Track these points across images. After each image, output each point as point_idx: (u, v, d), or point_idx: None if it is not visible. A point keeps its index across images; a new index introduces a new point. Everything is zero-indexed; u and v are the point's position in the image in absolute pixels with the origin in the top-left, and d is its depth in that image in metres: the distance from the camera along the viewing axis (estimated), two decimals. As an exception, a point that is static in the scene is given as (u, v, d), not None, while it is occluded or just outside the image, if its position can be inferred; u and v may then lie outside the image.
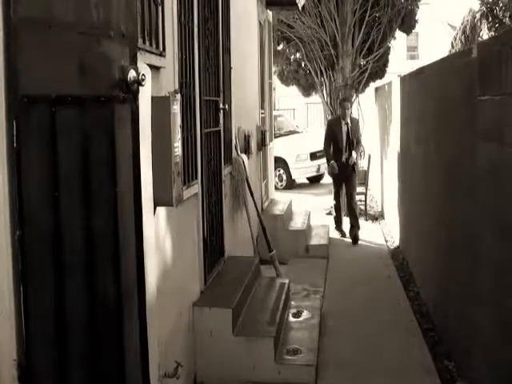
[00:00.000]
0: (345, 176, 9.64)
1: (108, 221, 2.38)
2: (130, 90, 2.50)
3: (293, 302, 6.04)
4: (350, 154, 9.53)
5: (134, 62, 2.55)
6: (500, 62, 3.68)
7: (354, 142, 9.61)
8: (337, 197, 9.99)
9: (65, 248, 2.07)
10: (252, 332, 4.66)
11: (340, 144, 9.58)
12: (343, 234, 9.91)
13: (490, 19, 15.36)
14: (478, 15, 16.91)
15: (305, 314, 5.65)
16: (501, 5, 14.96)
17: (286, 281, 6.09)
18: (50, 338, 2.04)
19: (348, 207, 9.99)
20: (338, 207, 10.04)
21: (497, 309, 3.81)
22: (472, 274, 4.38)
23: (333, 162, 9.57)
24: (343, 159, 9.57)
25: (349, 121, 9.66)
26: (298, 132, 18.71)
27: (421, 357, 5.07)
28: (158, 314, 3.15)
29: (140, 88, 2.57)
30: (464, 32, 19.98)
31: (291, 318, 5.55)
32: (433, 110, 6.05)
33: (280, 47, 13.70)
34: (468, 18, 19.75)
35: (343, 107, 9.76)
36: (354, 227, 9.68)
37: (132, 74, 2.48)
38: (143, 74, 2.53)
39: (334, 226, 10.10)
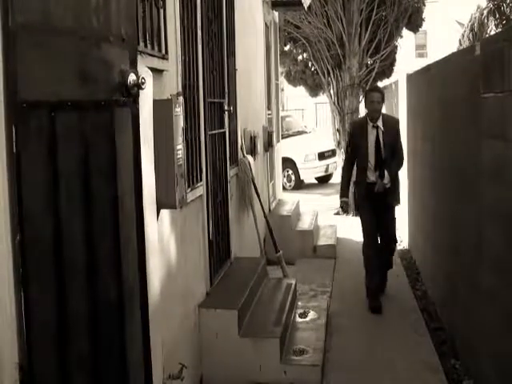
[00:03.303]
0: (375, 209, 6.41)
1: (109, 224, 2.40)
2: (130, 94, 2.52)
3: (300, 303, 6.05)
4: (382, 175, 6.26)
5: (133, 66, 2.57)
6: (503, 59, 3.68)
7: (387, 156, 6.30)
8: (367, 242, 6.44)
9: (65, 252, 2.08)
10: (258, 333, 4.67)
11: (363, 158, 6.33)
12: (375, 307, 6.25)
13: (497, 16, 15.31)
14: (485, 12, 16.86)
15: (311, 315, 5.65)
16: (508, 1, 14.91)
17: (293, 281, 6.10)
18: (51, 341, 2.05)
19: (382, 249, 6.60)
20: (368, 259, 6.46)
21: (502, 307, 3.80)
22: (477, 273, 4.38)
23: (344, 199, 6.57)
24: (369, 179, 6.35)
25: (380, 123, 6.32)
26: (306, 132, 18.73)
27: (427, 356, 5.07)
28: (162, 316, 3.17)
29: (140, 91, 2.59)
30: (472, 29, 19.90)
31: (298, 319, 5.56)
32: (438, 107, 6.04)
33: (287, 48, 13.70)
34: (476, 16, 19.67)
35: (370, 100, 6.37)
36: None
37: (132, 77, 2.50)
38: (143, 78, 2.55)
39: (366, 291, 6.52)
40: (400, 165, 6.65)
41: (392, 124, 6.51)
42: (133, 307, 2.59)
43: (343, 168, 6.84)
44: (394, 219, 6.63)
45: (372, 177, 6.32)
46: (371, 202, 6.39)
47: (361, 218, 6.53)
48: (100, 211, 2.33)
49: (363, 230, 6.50)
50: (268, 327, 4.80)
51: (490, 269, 4.07)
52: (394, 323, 5.88)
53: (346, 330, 5.70)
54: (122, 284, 2.48)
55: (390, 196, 6.44)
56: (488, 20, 16.81)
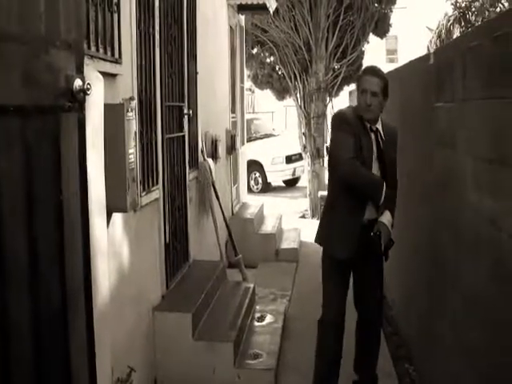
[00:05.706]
0: (358, 257, 4.09)
1: (52, 228, 2.39)
2: (76, 99, 2.52)
3: (258, 307, 6.07)
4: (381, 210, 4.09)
5: (80, 72, 2.57)
6: (452, 69, 3.74)
7: (386, 179, 4.11)
8: (330, 308, 4.34)
9: (6, 256, 2.08)
10: (212, 336, 4.68)
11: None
12: None
13: (463, 23, 15.57)
14: (451, 19, 17.12)
15: (268, 318, 5.69)
16: (473, 9, 15.17)
17: (251, 285, 6.13)
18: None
19: (357, 335, 4.56)
20: (326, 337, 4.41)
21: (452, 318, 3.85)
22: (431, 281, 4.43)
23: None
24: (364, 217, 4.09)
25: (380, 126, 4.15)
26: (274, 135, 18.82)
27: (382, 360, 5.09)
28: (114, 319, 3.17)
29: (89, 96, 2.60)
30: (439, 36, 20.13)
31: (255, 322, 5.59)
32: (399, 115, 6.10)
33: (254, 51, 13.76)
34: (443, 23, 19.91)
35: (362, 89, 4.00)
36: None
37: (78, 83, 2.50)
38: (88, 84, 2.55)
39: None
40: (395, 197, 4.34)
41: (392, 133, 4.31)
42: (77, 311, 2.58)
43: (353, 164, 3.97)
44: (380, 278, 4.35)
45: (373, 212, 4.10)
46: (354, 259, 4.10)
47: (328, 283, 4.38)
48: (43, 216, 2.33)
49: (328, 302, 4.35)
50: (222, 331, 4.82)
51: (442, 277, 4.12)
52: (350, 327, 5.91)
53: (302, 333, 5.71)
54: (66, 288, 2.47)
55: (380, 246, 4.04)
56: (454, 27, 17.06)
